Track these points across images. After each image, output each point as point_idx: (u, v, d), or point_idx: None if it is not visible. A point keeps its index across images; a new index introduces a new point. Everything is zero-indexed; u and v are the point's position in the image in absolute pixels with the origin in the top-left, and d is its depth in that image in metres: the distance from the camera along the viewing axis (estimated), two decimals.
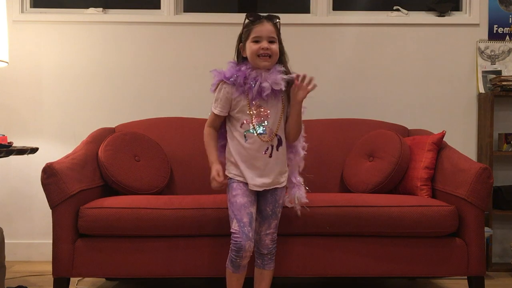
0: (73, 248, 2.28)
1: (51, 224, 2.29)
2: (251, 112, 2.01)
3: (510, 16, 3.30)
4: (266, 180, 2.03)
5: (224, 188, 2.04)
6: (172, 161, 2.82)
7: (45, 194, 2.27)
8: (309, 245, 2.30)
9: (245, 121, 2.02)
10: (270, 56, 1.99)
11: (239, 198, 2.01)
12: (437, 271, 2.31)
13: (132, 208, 2.29)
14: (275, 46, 2.00)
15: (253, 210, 2.03)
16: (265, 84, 1.98)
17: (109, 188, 2.58)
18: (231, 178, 2.06)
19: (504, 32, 3.29)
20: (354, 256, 2.29)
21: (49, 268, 2.31)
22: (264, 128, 2.01)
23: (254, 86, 1.98)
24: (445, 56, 3.30)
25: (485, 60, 3.28)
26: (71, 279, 2.35)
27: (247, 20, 2.02)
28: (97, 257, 2.29)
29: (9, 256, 2.50)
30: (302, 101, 2.02)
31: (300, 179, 2.16)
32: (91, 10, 3.34)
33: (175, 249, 2.29)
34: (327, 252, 2.29)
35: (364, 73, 3.31)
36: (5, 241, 2.22)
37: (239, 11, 3.53)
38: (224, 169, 2.05)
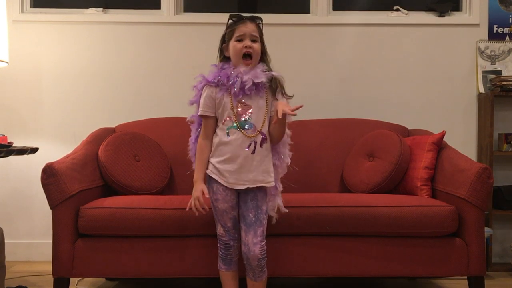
0: (73, 248, 2.28)
1: (51, 224, 2.29)
2: (234, 109, 2.02)
3: (510, 16, 3.30)
4: (248, 177, 2.01)
5: (203, 208, 2.02)
6: (172, 161, 2.82)
7: (45, 194, 2.27)
8: (309, 245, 2.30)
9: (228, 118, 2.03)
10: (251, 57, 2.01)
11: (220, 204, 2.04)
12: (437, 271, 2.31)
13: (132, 208, 2.29)
14: (257, 45, 2.02)
15: (235, 213, 2.06)
16: (246, 78, 2.00)
17: (109, 188, 2.59)
18: (212, 178, 2.05)
19: (504, 32, 3.29)
20: (354, 256, 2.29)
21: (49, 268, 2.31)
22: (247, 124, 2.01)
23: (237, 81, 2.00)
24: (445, 56, 3.30)
25: (485, 60, 3.28)
26: (71, 279, 2.35)
27: (230, 21, 2.06)
28: (97, 257, 2.29)
29: (9, 256, 2.50)
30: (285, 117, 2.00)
31: (281, 187, 2.13)
32: (91, 10, 3.34)
33: (175, 249, 2.29)
34: (327, 252, 2.29)
35: (364, 73, 3.31)
36: (5, 241, 2.22)
37: (239, 11, 3.52)
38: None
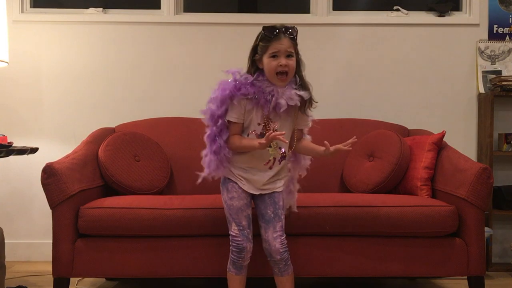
0: (73, 248, 2.28)
1: (51, 224, 2.29)
2: (261, 125, 2.00)
3: (510, 16, 3.30)
4: (262, 186, 2.05)
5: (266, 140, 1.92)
6: (172, 161, 2.82)
7: (45, 194, 2.27)
8: (309, 245, 2.30)
9: (253, 132, 2.01)
10: (287, 74, 1.97)
11: (235, 202, 2.04)
12: (437, 271, 2.31)
13: (132, 208, 2.29)
14: (292, 62, 1.98)
15: (250, 212, 2.06)
16: (282, 101, 1.96)
17: (109, 188, 2.59)
18: (228, 178, 2.07)
19: (504, 32, 3.29)
20: (354, 256, 2.29)
21: (49, 268, 2.32)
22: (271, 142, 1.96)
23: (271, 101, 1.97)
24: (445, 56, 3.30)
25: (485, 60, 3.28)
26: (71, 279, 2.35)
27: (263, 33, 1.98)
28: (97, 257, 2.29)
29: (9, 256, 2.50)
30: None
31: (297, 186, 2.15)
32: (91, 10, 3.34)
33: (175, 249, 2.29)
34: (327, 252, 2.29)
35: (364, 73, 3.31)
36: (5, 241, 2.22)
37: (239, 11, 3.52)
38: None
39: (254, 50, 2.02)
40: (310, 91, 2.05)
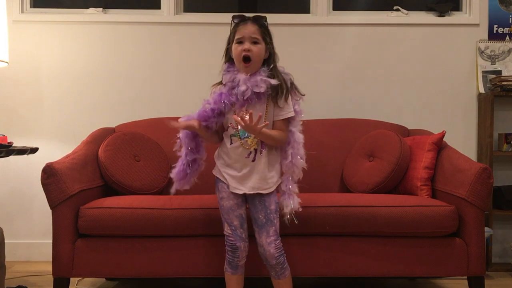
0: (73, 248, 2.28)
1: (51, 224, 2.29)
2: (236, 114, 1.98)
3: (510, 16, 3.30)
4: (247, 184, 2.01)
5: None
6: (172, 161, 2.81)
7: (45, 194, 2.28)
8: (309, 245, 2.30)
9: (230, 125, 2.02)
10: (250, 59, 1.96)
11: (225, 202, 2.05)
12: (437, 271, 2.31)
13: (132, 208, 2.29)
14: (257, 48, 1.96)
15: (242, 211, 2.05)
16: (243, 88, 1.96)
17: (109, 188, 2.59)
18: (218, 178, 2.08)
19: (504, 32, 3.29)
20: (354, 256, 2.29)
21: (49, 268, 2.32)
22: (247, 132, 1.97)
23: (237, 90, 1.97)
24: (445, 56, 3.30)
25: (485, 60, 3.28)
26: (71, 279, 2.35)
27: (233, 22, 2.02)
28: (97, 257, 2.29)
29: (9, 256, 2.50)
30: (257, 134, 1.94)
31: (292, 188, 2.03)
32: (91, 10, 3.34)
33: (175, 249, 2.29)
34: (327, 252, 2.29)
35: (364, 73, 3.31)
36: (5, 241, 2.22)
37: (239, 11, 3.53)
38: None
39: (228, 40, 2.06)
40: (282, 80, 2.00)
